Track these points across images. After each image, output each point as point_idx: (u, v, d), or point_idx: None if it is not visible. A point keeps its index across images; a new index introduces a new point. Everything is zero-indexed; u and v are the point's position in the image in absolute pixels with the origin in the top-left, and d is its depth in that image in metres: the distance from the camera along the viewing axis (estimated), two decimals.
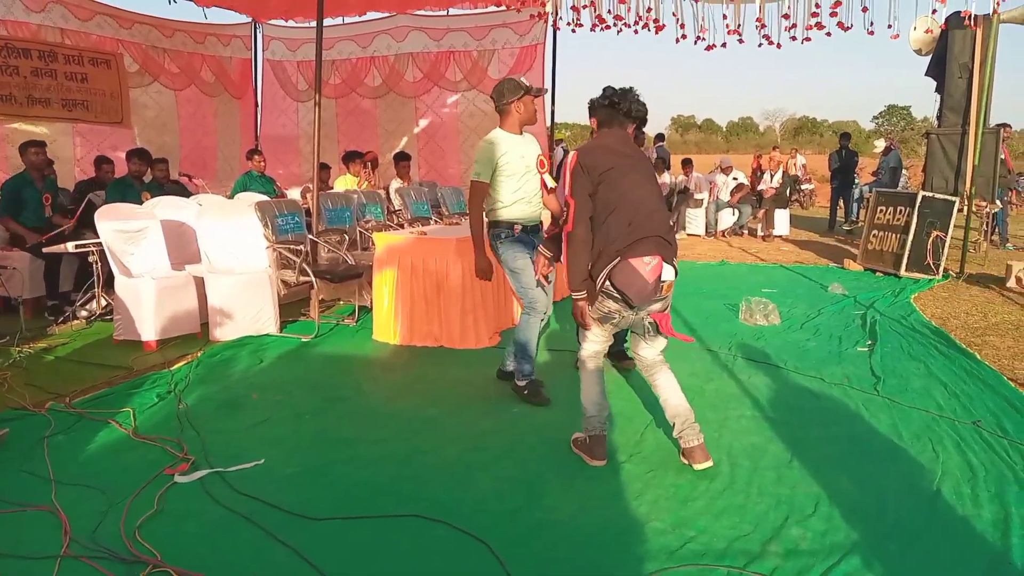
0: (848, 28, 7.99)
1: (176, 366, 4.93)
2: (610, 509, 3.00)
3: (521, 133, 4.37)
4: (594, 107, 3.57)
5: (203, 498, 3.07)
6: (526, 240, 4.38)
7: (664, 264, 3.26)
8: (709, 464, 3.33)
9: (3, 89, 8.30)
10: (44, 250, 6.01)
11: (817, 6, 7.98)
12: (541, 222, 4.53)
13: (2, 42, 8.30)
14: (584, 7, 9.08)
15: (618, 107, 3.46)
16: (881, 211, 8.97)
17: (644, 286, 3.19)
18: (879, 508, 2.96)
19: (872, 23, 7.75)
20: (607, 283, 3.25)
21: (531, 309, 4.32)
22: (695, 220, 12.86)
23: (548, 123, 11.01)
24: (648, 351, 3.50)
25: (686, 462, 3.36)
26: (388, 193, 8.79)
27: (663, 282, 3.27)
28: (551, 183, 4.46)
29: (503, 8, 10.28)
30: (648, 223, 3.25)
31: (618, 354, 5.00)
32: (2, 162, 8.30)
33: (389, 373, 4.96)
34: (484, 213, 4.39)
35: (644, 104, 3.53)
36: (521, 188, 4.32)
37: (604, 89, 3.55)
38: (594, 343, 3.51)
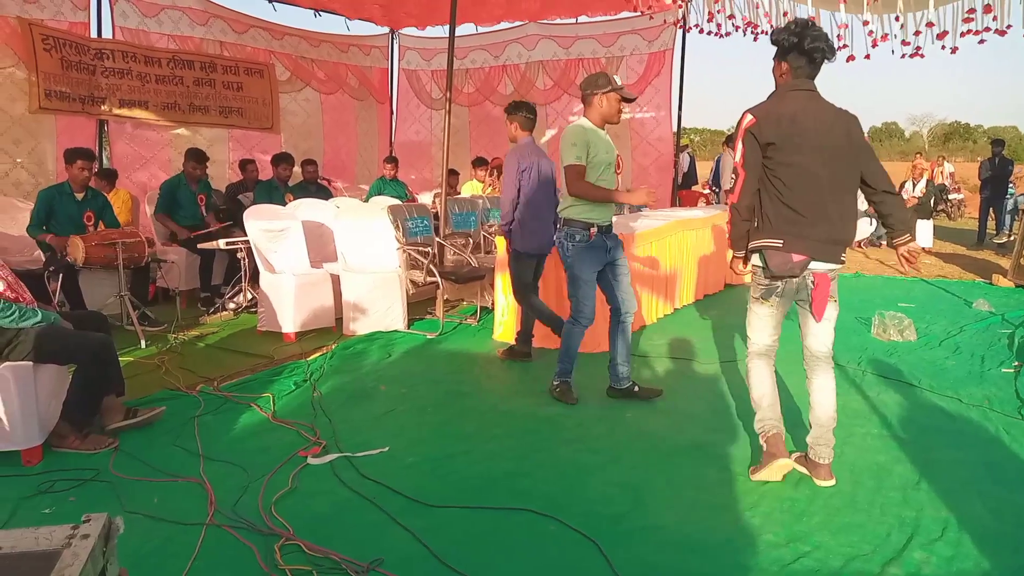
0: (1006, 31, 7.39)
1: (312, 357, 5.20)
2: (720, 518, 2.96)
3: (603, 127, 4.22)
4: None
5: (332, 480, 3.26)
6: (600, 245, 4.23)
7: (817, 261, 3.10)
8: (831, 482, 3.20)
9: (169, 98, 9.00)
10: (198, 246, 6.52)
11: (970, 11, 7.44)
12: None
13: (172, 54, 9.11)
14: (719, 12, 8.89)
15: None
16: None
17: (791, 265, 3.03)
18: (1016, 539, 2.77)
19: None
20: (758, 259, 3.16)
21: (576, 319, 4.32)
22: None
23: (675, 128, 10.91)
24: (815, 342, 3.24)
25: (803, 471, 3.28)
26: None
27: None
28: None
29: (634, 14, 10.21)
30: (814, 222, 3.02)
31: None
32: (165, 164, 9.01)
33: (507, 372, 5.04)
34: (561, 210, 4.27)
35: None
36: (602, 183, 4.18)
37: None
38: (760, 332, 3.28)
